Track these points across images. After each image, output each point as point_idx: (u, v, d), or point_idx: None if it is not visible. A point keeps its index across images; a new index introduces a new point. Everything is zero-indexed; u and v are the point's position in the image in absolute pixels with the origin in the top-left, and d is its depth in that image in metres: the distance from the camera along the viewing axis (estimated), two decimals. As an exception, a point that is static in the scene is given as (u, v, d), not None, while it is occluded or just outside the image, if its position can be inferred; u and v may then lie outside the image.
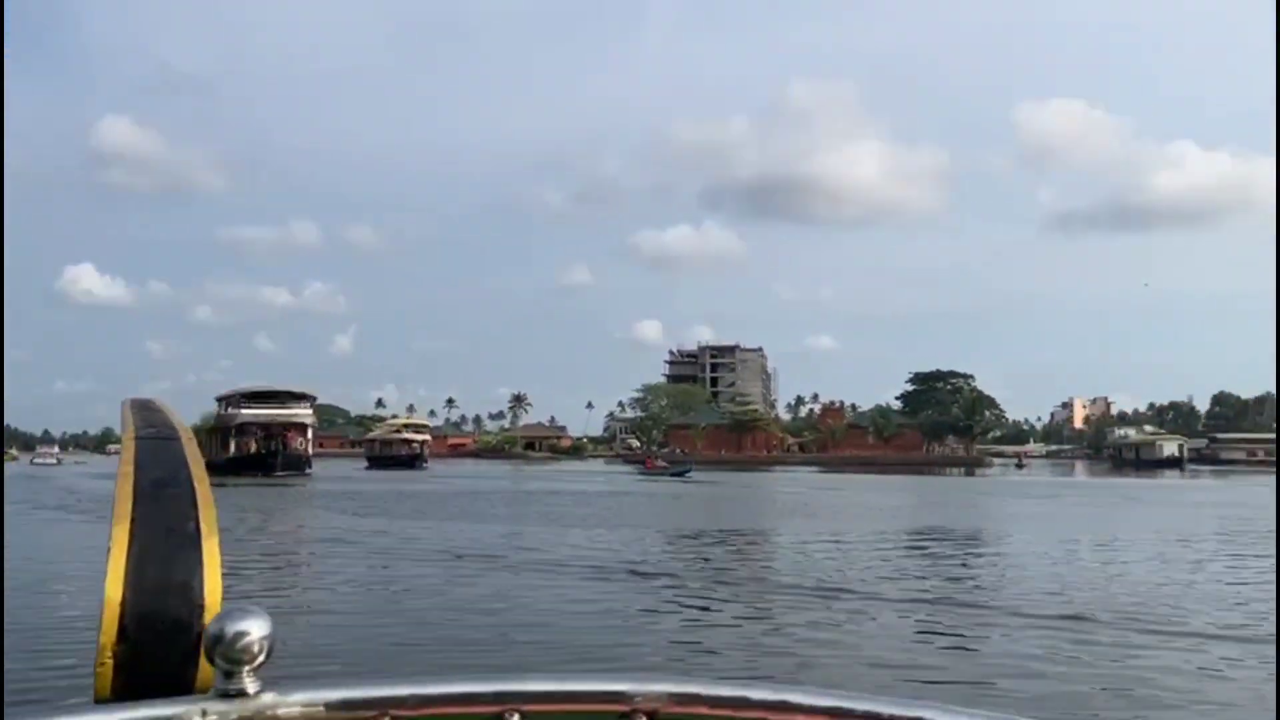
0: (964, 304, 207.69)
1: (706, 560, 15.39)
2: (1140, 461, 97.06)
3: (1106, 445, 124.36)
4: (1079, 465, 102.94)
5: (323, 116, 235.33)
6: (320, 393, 67.02)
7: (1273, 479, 61.78)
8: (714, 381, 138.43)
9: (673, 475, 56.33)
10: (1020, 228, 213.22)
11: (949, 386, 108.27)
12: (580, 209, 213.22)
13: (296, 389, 59.91)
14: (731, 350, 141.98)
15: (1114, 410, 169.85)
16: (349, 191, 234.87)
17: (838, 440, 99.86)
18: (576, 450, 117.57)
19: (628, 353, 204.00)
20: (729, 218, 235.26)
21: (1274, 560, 12.52)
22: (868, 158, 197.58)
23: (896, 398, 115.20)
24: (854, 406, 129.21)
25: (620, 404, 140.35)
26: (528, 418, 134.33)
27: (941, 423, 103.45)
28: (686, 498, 35.81)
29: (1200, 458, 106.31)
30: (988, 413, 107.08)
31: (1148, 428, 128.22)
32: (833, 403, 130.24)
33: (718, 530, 20.43)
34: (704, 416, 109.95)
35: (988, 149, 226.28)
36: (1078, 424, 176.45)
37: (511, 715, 0.94)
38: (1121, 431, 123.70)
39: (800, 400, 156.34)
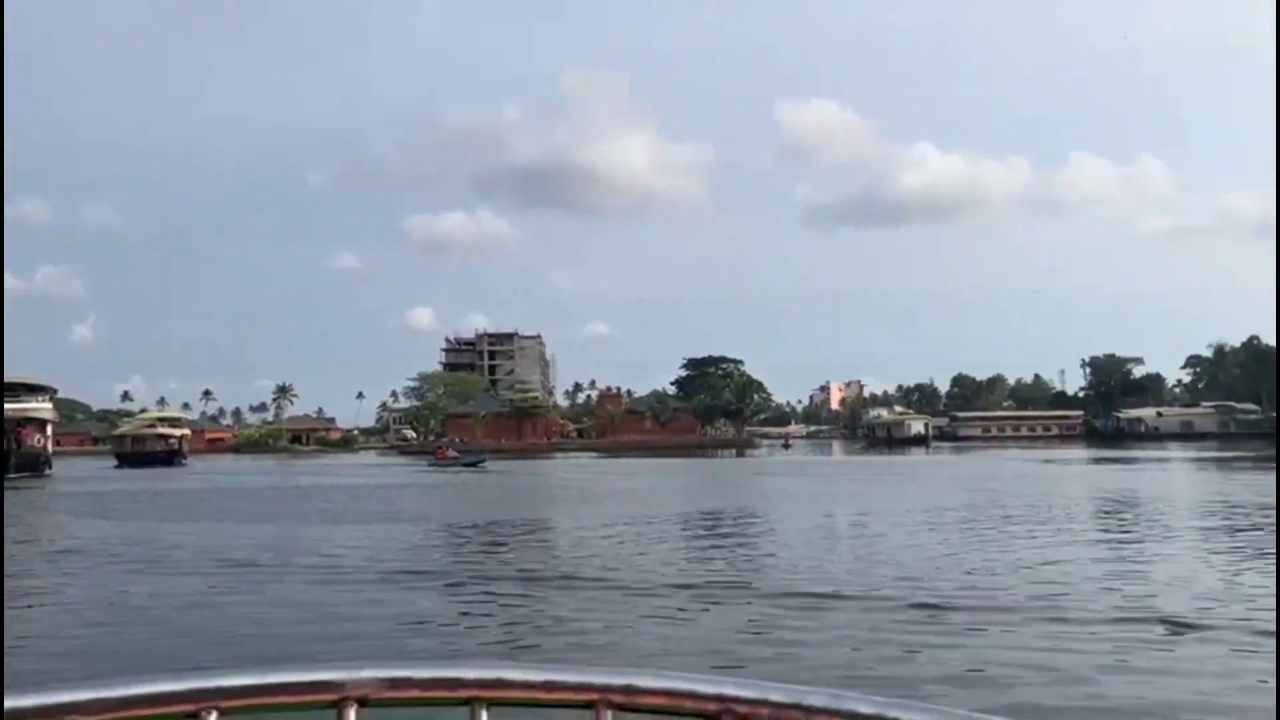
0: (731, 292, 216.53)
1: (490, 553, 15.08)
2: (891, 439, 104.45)
3: (861, 425, 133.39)
4: (836, 444, 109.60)
5: (60, 88, 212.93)
6: (56, 385, 60.62)
7: (1004, 452, 68.61)
8: (492, 369, 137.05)
9: (465, 466, 55.07)
10: (780, 220, 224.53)
11: (720, 371, 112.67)
12: (348, 191, 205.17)
13: (31, 380, 53.99)
14: (510, 338, 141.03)
15: (866, 392, 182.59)
16: (85, 169, 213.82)
17: (617, 426, 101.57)
18: (347, 443, 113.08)
19: (400, 341, 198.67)
20: (503, 204, 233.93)
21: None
22: (638, 149, 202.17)
23: (671, 383, 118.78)
24: (630, 392, 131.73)
25: (394, 394, 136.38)
26: (293, 410, 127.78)
27: (714, 406, 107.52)
28: (477, 488, 35.20)
29: (943, 435, 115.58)
30: (757, 396, 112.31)
31: (897, 408, 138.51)
32: (609, 389, 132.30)
33: (508, 521, 20.17)
34: (483, 405, 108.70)
35: (749, 145, 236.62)
36: (834, 406, 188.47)
37: (209, 714, 0.90)
38: (875, 412, 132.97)
39: (579, 387, 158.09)
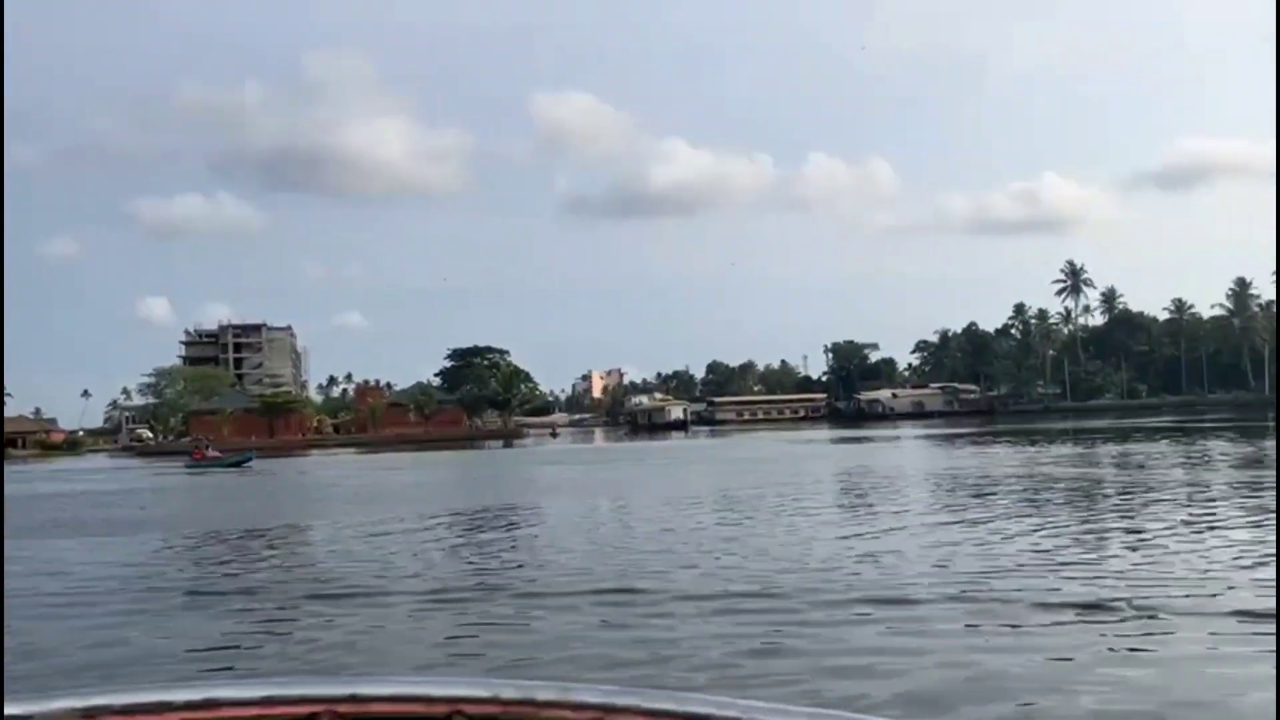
0: (492, 282, 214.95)
1: (246, 563, 13.69)
2: (653, 425, 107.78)
3: (623, 412, 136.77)
4: (599, 432, 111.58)
5: None
6: None
7: (757, 434, 72.66)
8: (238, 363, 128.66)
9: (229, 466, 51.06)
10: (540, 210, 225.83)
11: (486, 362, 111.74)
12: (64, 171, 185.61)
13: None
14: (257, 329, 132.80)
15: (626, 380, 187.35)
16: None
17: (378, 420, 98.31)
18: (73, 445, 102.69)
19: (131, 334, 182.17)
20: (246, 188, 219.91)
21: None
22: (392, 134, 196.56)
23: (435, 374, 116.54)
24: (390, 385, 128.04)
25: (125, 391, 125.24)
26: (5, 410, 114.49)
27: (481, 397, 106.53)
28: (238, 491, 32.87)
29: (700, 419, 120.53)
30: (524, 386, 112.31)
31: (657, 395, 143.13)
32: (367, 381, 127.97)
33: (270, 526, 18.45)
34: (230, 401, 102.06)
35: (508, 134, 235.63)
36: (596, 394, 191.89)
37: None
38: (636, 399, 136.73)
39: (334, 380, 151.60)
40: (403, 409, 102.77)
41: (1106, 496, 17.68)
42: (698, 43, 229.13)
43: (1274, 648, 6.42)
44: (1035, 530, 13.50)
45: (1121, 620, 7.75)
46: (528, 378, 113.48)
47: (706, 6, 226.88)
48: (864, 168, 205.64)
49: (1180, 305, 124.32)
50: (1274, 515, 12.86)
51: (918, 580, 9.70)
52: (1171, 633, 7.37)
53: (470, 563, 12.48)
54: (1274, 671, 5.88)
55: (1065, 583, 9.43)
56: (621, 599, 9.24)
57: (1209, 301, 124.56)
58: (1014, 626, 7.66)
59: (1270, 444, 31.54)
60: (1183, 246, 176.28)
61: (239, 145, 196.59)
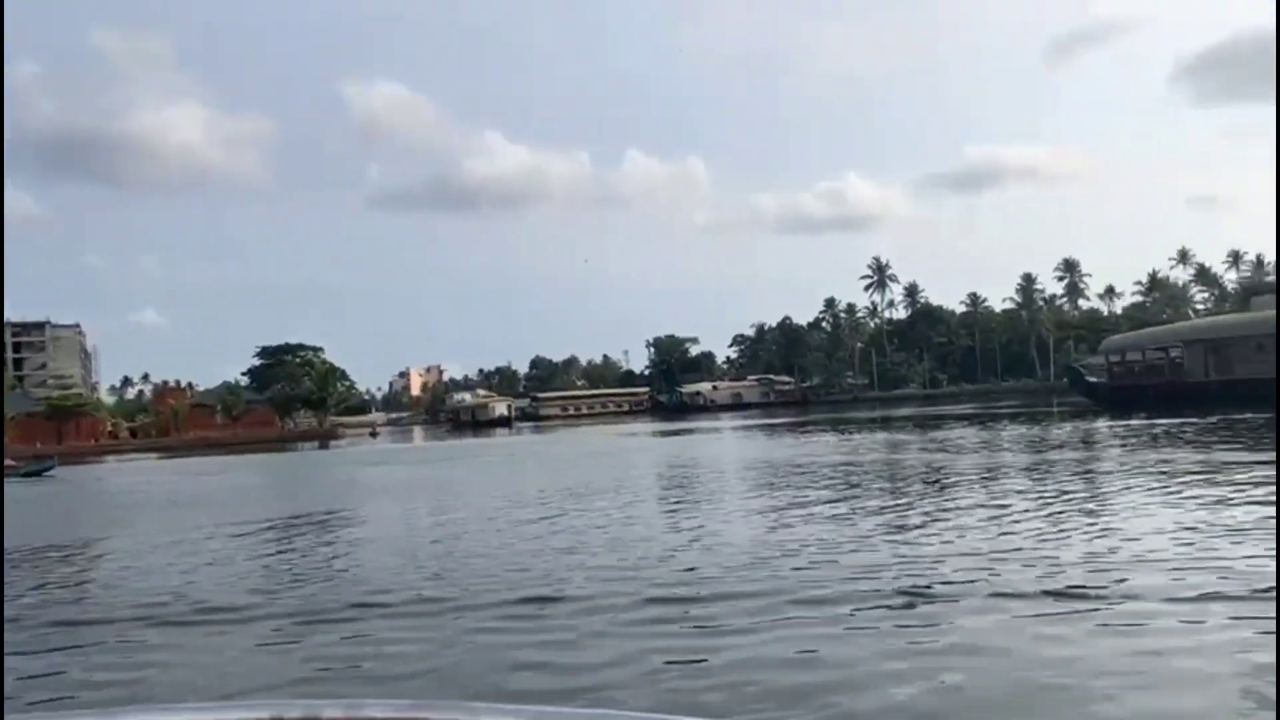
0: (303, 276, 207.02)
1: (31, 588, 12.04)
2: (476, 423, 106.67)
3: (445, 409, 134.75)
4: (418, 431, 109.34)
5: None
6: None
7: (582, 429, 73.08)
8: (18, 364, 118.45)
9: (26, 475, 46.86)
10: (351, 202, 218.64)
11: (298, 360, 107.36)
12: None
13: None
14: (40, 327, 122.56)
15: (446, 377, 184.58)
16: None
17: (181, 423, 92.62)
18: None
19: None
20: (21, 174, 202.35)
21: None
22: (187, 120, 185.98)
23: (243, 373, 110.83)
24: (192, 386, 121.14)
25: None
26: None
27: (295, 396, 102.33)
28: (34, 503, 30.02)
29: (525, 415, 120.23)
30: (340, 385, 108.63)
31: (480, 391, 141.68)
32: (167, 382, 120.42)
33: (66, 543, 16.65)
34: (12, 405, 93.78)
35: (317, 123, 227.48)
36: (415, 391, 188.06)
37: None
38: (459, 396, 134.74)
39: (128, 381, 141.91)
40: (208, 410, 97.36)
41: (930, 481, 18.66)
42: (514, 38, 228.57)
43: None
44: (837, 517, 13.85)
45: (948, 605, 8.04)
46: (343, 376, 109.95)
47: (522, 2, 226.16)
48: (680, 166, 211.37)
49: (975, 299, 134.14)
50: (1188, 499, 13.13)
51: (746, 572, 9.77)
52: (1006, 614, 7.53)
53: (288, 576, 11.69)
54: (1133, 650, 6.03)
55: (888, 569, 9.71)
56: (434, 608, 8.93)
57: (1001, 295, 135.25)
58: (826, 618, 7.75)
59: (1054, 427, 34.68)
60: (975, 244, 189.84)
61: (12, 128, 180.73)
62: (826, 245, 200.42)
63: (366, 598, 9.54)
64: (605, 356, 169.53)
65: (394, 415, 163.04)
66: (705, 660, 6.70)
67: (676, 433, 54.94)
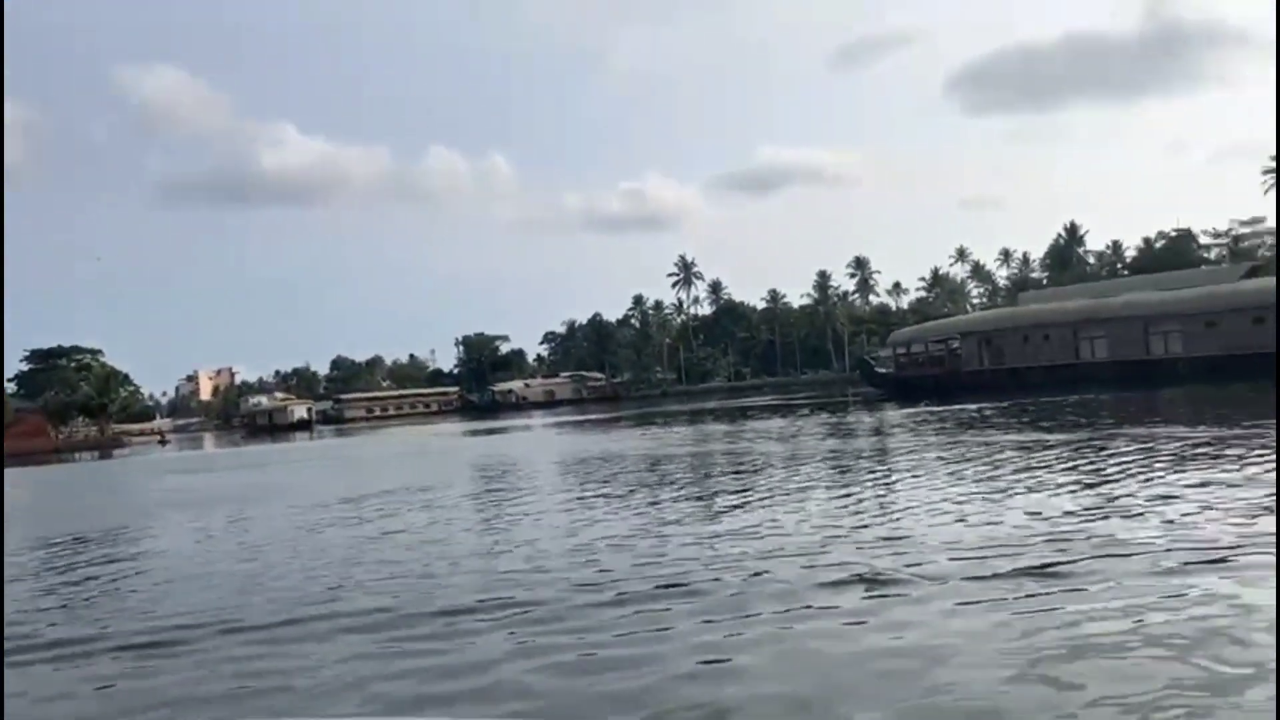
0: (74, 272, 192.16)
1: None
2: (274, 427, 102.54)
3: (240, 414, 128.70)
4: (209, 437, 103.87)
5: None
6: None
7: (390, 431, 71.65)
8: None
9: None
10: (130, 195, 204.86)
11: (73, 364, 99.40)
12: None
13: None
14: None
15: (239, 380, 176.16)
16: None
17: None
18: None
19: None
20: None
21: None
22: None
23: (10, 379, 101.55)
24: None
25: None
26: None
27: (71, 403, 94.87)
28: None
29: (328, 418, 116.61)
30: (122, 390, 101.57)
31: (278, 394, 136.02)
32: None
33: None
34: None
35: (86, 109, 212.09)
36: (205, 396, 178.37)
37: None
38: (255, 399, 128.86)
39: None
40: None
41: (734, 471, 19.24)
42: (308, 26, 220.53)
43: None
44: (634, 512, 14.04)
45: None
46: (126, 380, 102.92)
47: None
48: (484, 163, 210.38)
49: (775, 296, 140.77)
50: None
51: (559, 574, 9.76)
52: (831, 606, 7.73)
53: (72, 605, 10.66)
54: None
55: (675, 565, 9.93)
56: (235, 628, 8.53)
57: (798, 292, 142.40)
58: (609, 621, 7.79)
59: (847, 415, 37.23)
60: (770, 243, 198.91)
61: None
62: (630, 244, 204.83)
63: (171, 624, 8.92)
64: (411, 356, 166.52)
65: (181, 421, 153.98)
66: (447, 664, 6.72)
67: (489, 431, 55.04)
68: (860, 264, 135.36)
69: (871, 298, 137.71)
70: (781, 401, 59.39)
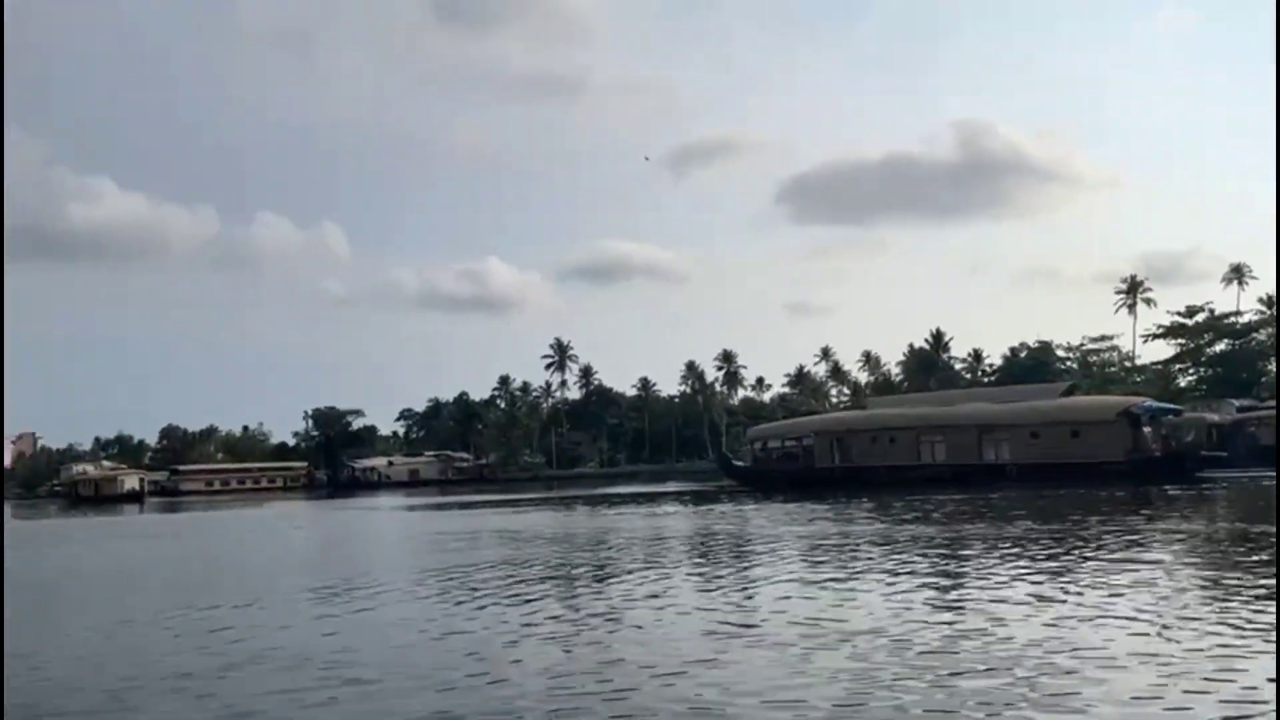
0: None
1: None
2: (100, 498, 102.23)
3: (60, 482, 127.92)
4: (8, 507, 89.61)
5: None
6: None
7: (246, 508, 72.08)
8: None
9: None
10: None
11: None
12: None
13: None
14: None
15: (40, 446, 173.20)
16: None
17: None
18: None
19: None
20: None
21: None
22: None
23: None
24: None
25: None
26: None
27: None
28: None
29: (162, 490, 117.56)
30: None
31: (105, 463, 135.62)
32: None
33: None
34: None
35: None
36: (6, 463, 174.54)
37: None
38: (79, 468, 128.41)
39: None
40: None
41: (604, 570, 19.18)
42: (133, 73, 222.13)
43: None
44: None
45: None
46: None
47: (138, 39, 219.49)
48: (316, 232, 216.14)
49: (645, 383, 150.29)
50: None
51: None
52: None
53: None
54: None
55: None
56: None
57: (643, 381, 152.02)
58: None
59: (706, 508, 41.19)
60: (616, 331, 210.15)
61: None
62: (471, 326, 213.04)
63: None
64: (245, 428, 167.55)
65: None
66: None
67: (350, 509, 56.74)
68: (728, 357, 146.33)
69: (739, 390, 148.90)
70: (653, 490, 63.40)
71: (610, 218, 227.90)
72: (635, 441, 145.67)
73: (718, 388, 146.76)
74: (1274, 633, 9.14)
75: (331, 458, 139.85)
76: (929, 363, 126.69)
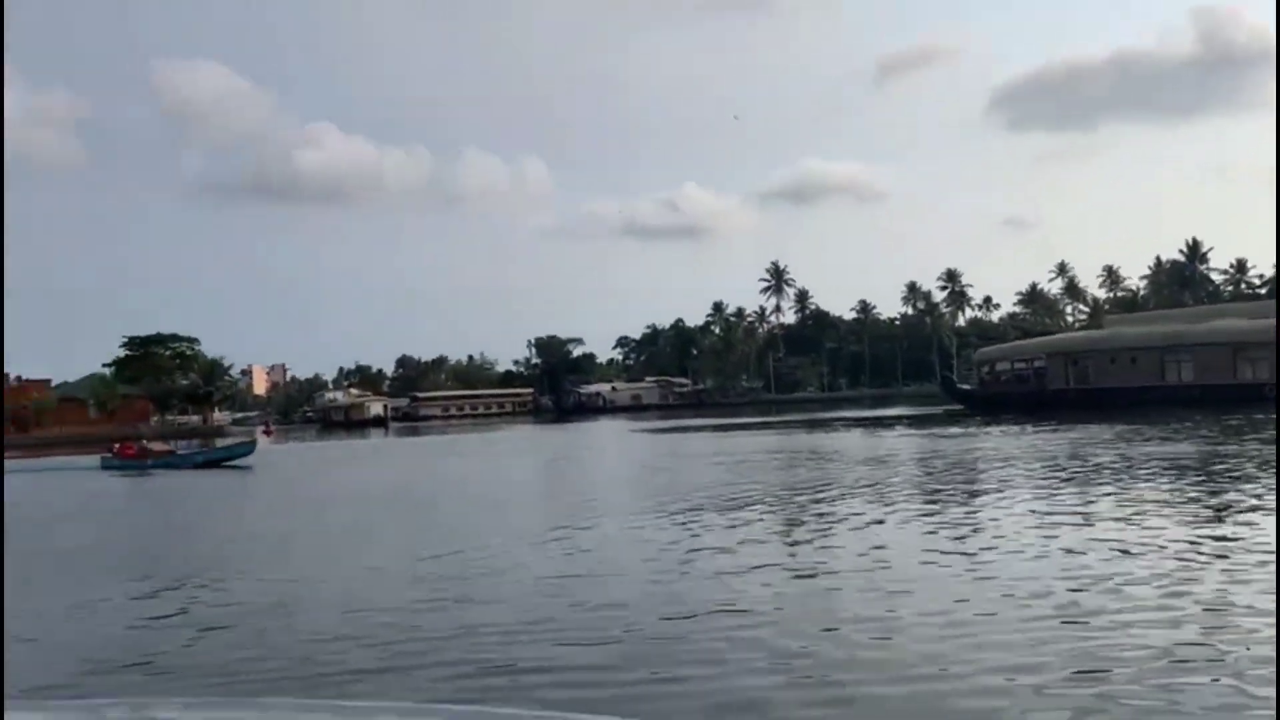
0: (111, 268, 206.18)
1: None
2: (350, 423, 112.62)
3: (313, 409, 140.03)
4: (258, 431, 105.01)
5: None
6: None
7: (498, 431, 76.55)
8: None
9: (201, 465, 39.61)
10: (167, 190, 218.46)
11: (169, 351, 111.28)
12: None
13: None
14: None
15: (288, 376, 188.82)
16: None
17: (45, 418, 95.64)
18: None
19: None
20: None
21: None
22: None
23: (106, 365, 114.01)
24: (19, 379, 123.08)
25: None
26: None
27: (177, 390, 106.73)
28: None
29: (404, 416, 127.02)
30: (226, 379, 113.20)
31: (354, 391, 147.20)
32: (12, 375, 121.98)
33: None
34: None
35: (129, 103, 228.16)
36: (259, 390, 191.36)
37: None
38: (330, 395, 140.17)
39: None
40: (79, 405, 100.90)
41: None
42: (352, 25, 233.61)
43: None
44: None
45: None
46: (228, 370, 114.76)
47: None
48: (520, 168, 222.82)
49: (865, 306, 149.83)
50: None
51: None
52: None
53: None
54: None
55: None
56: None
57: (848, 304, 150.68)
58: None
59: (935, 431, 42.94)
60: (814, 255, 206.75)
61: None
62: (669, 252, 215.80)
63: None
64: (470, 358, 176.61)
65: (240, 415, 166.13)
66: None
67: (661, 430, 58.33)
68: (951, 276, 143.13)
69: (965, 311, 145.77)
70: (883, 414, 63.61)
71: (808, 136, 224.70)
72: (854, 365, 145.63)
73: (943, 308, 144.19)
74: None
75: (554, 384, 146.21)
76: (1182, 276, 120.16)
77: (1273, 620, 7.91)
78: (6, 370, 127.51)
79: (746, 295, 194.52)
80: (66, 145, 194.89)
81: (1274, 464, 19.55)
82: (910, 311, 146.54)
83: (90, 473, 39.26)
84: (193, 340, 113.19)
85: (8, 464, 40.85)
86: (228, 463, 39.46)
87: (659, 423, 72.97)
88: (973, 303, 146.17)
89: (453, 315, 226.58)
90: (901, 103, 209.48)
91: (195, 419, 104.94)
